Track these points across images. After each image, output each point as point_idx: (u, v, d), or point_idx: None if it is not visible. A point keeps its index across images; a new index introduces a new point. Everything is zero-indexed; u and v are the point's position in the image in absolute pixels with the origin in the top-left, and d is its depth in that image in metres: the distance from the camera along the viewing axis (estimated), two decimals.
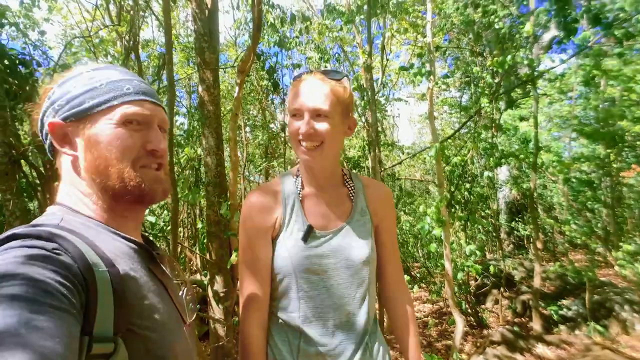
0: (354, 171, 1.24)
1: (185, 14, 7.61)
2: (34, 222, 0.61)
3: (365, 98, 4.76)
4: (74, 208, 0.66)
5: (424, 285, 5.99)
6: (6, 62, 3.02)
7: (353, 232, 1.07)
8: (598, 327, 3.58)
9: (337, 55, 7.42)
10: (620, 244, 4.33)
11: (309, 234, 1.03)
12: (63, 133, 0.66)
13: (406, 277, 5.33)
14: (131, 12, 3.52)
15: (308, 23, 4.95)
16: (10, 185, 2.67)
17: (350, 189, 1.14)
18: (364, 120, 5.12)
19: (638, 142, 4.75)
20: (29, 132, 3.49)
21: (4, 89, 2.73)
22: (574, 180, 5.26)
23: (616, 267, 4.34)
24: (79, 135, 0.66)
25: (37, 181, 3.06)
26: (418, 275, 6.37)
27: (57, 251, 0.51)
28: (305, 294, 1.02)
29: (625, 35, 2.81)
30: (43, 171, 3.08)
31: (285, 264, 1.02)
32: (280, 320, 1.06)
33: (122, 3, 3.95)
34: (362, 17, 4.22)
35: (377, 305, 1.29)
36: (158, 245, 0.80)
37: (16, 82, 3.09)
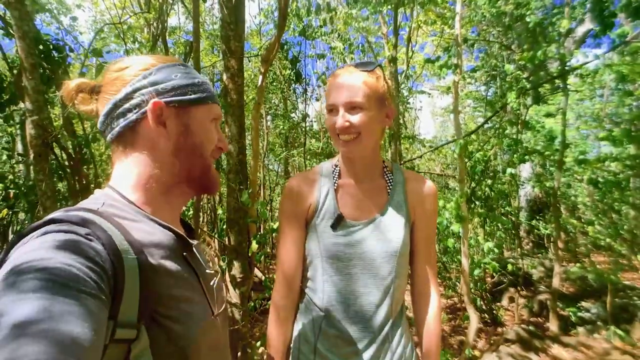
0: (397, 164, 1.24)
1: (211, 2, 7.65)
2: (76, 205, 0.64)
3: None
4: (122, 192, 0.69)
5: (439, 281, 5.97)
6: (41, 47, 3.13)
7: (385, 225, 1.09)
8: (619, 331, 3.49)
9: (361, 45, 7.34)
10: None
11: (338, 223, 1.07)
12: (161, 114, 0.70)
13: None
14: (160, 0, 3.57)
15: (333, 13, 4.90)
16: (43, 166, 2.79)
17: (388, 181, 1.15)
18: None
19: None
20: (59, 115, 3.62)
21: (39, 74, 2.84)
22: (601, 180, 5.09)
23: None
24: (176, 120, 0.71)
25: (67, 163, 3.19)
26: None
27: (89, 237, 0.53)
28: (329, 277, 1.07)
29: None
30: (72, 154, 3.21)
31: (314, 248, 1.09)
32: (308, 299, 1.13)
33: None
34: (389, 7, 4.15)
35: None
36: (196, 233, 0.83)
37: (50, 67, 3.20)
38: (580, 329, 3.85)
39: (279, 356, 1.11)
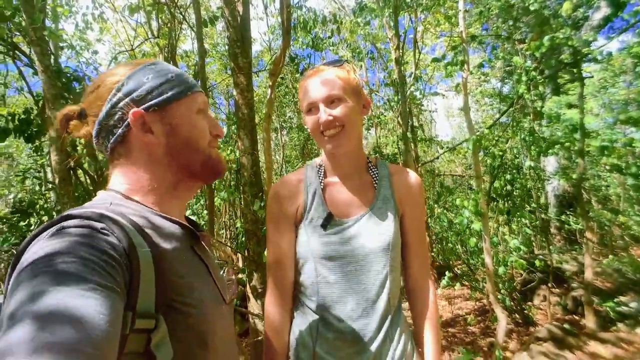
0: (381, 159, 1.23)
1: (222, 25, 7.93)
2: (85, 204, 0.66)
3: (398, 93, 4.71)
4: (124, 193, 0.71)
5: (466, 283, 5.80)
6: (63, 79, 3.33)
7: (374, 220, 1.07)
8: None
9: (370, 53, 7.40)
10: None
11: (328, 221, 1.05)
12: (144, 121, 0.71)
13: (448, 275, 5.21)
14: (169, 25, 3.75)
15: (339, 24, 4.99)
16: (68, 190, 2.95)
17: (374, 176, 1.14)
18: (397, 116, 5.07)
19: None
20: (83, 142, 3.82)
21: (61, 104, 3.02)
22: (632, 168, 4.85)
23: None
24: (160, 122, 0.72)
25: (91, 187, 3.35)
26: (459, 272, 6.18)
27: (105, 231, 0.55)
28: (323, 279, 1.04)
29: None
30: (95, 177, 3.37)
31: (305, 250, 1.06)
32: (302, 304, 1.10)
33: (162, 18, 4.22)
34: (390, 11, 4.19)
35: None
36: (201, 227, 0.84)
37: (71, 97, 3.41)
38: (620, 325, 3.64)
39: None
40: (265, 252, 1.12)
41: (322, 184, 1.12)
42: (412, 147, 4.78)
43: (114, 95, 0.71)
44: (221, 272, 0.79)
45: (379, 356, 1.03)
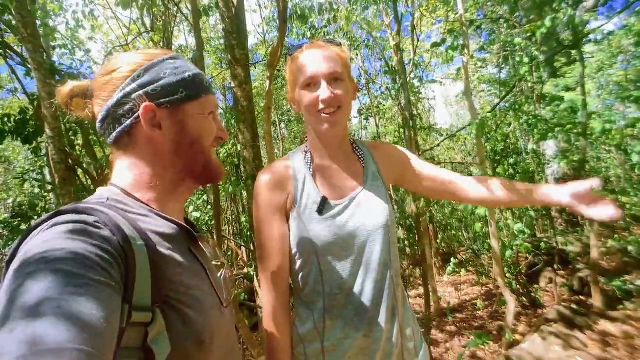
0: (358, 139, 1.21)
1: (215, 18, 7.83)
2: (82, 201, 0.64)
3: (398, 80, 4.67)
4: (125, 189, 0.69)
5: (471, 269, 5.82)
6: (57, 77, 3.27)
7: (369, 197, 1.04)
8: None
9: (367, 41, 7.33)
10: None
11: (323, 206, 1.00)
12: (154, 116, 0.69)
13: (453, 261, 5.21)
14: (163, 18, 3.68)
15: (336, 12, 4.92)
16: (68, 189, 2.90)
17: (359, 155, 1.12)
18: (398, 104, 5.03)
19: None
20: (82, 142, 3.77)
21: (57, 104, 2.97)
22: (631, 148, 4.84)
23: None
24: (170, 120, 0.71)
25: (92, 187, 3.31)
26: (464, 259, 6.19)
27: (98, 224, 0.54)
28: (327, 266, 0.99)
29: None
30: (95, 176, 3.32)
31: (303, 238, 1.00)
32: (304, 296, 1.04)
33: (155, 12, 4.14)
34: None
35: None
36: (199, 229, 0.83)
37: None
38: (627, 304, 3.65)
39: None
40: (256, 245, 1.04)
41: (311, 170, 1.07)
42: (413, 135, 4.75)
43: (128, 84, 0.69)
44: (219, 274, 0.77)
45: (389, 335, 0.99)
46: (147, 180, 0.71)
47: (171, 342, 0.55)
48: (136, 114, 0.68)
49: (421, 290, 5.33)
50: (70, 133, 3.31)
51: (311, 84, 0.99)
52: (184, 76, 0.72)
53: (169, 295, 0.58)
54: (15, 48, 3.51)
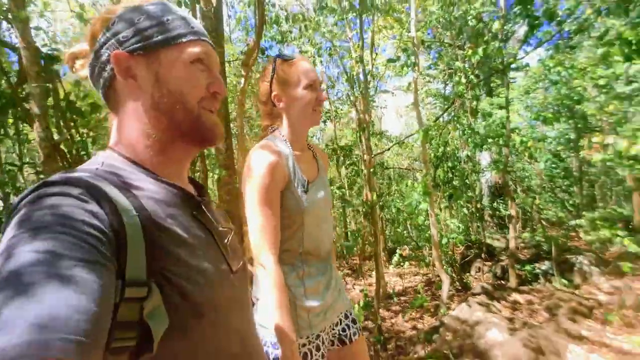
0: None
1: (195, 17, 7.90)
2: (78, 167, 0.63)
3: (357, 89, 5.23)
4: (122, 152, 0.66)
5: (413, 263, 6.54)
6: (42, 62, 3.37)
7: (323, 182, 1.42)
8: (564, 280, 4.17)
9: (329, 49, 7.87)
10: (584, 213, 4.93)
11: (307, 185, 1.28)
12: (127, 66, 0.64)
13: (398, 253, 5.90)
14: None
15: (308, 22, 5.37)
16: (53, 167, 3.05)
17: (312, 150, 1.44)
18: (355, 110, 5.59)
19: (598, 123, 5.35)
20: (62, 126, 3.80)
21: (43, 80, 3.08)
22: (547, 160, 5.84)
23: (581, 234, 4.95)
24: (146, 69, 0.64)
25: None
26: (408, 255, 6.91)
27: (83, 197, 0.50)
28: (307, 230, 1.27)
29: (575, 31, 3.35)
30: (85, 155, 3.44)
31: (296, 210, 1.25)
32: (287, 253, 1.27)
33: None
34: (354, 14, 4.68)
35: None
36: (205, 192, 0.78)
37: (49, 76, 3.44)
38: (535, 284, 4.50)
39: (289, 315, 1.15)
40: (251, 221, 1.19)
41: (292, 155, 1.30)
42: (367, 140, 5.32)
43: (103, 34, 0.65)
44: (226, 240, 0.72)
45: (334, 274, 1.42)
46: (134, 138, 0.66)
47: (169, 316, 0.52)
48: (111, 65, 0.64)
49: (370, 280, 5.94)
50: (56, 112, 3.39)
51: (312, 86, 1.28)
52: (161, 19, 0.65)
53: (166, 268, 0.55)
54: None
